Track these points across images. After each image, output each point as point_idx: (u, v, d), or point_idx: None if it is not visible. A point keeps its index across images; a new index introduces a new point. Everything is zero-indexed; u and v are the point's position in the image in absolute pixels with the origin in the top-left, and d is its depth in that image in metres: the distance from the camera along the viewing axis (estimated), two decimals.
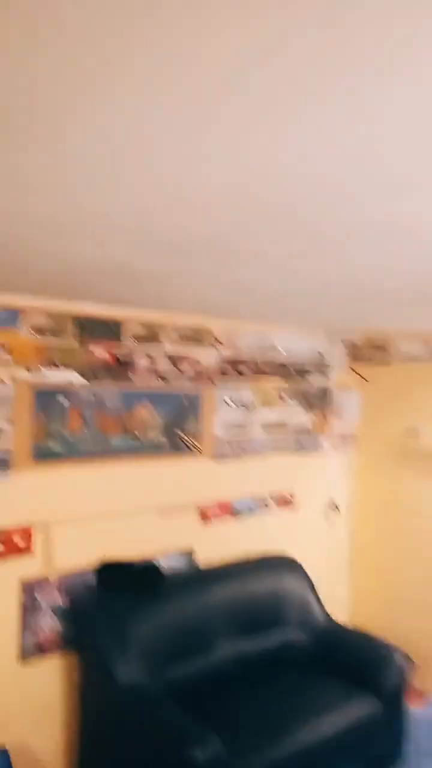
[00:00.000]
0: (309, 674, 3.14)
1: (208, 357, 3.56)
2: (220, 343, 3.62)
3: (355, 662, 3.14)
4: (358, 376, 4.30)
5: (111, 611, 2.92)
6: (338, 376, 4.27)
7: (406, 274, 2.16)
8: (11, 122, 0.98)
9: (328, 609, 3.62)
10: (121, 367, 3.20)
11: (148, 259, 2.02)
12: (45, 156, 1.12)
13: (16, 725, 2.82)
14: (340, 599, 4.33)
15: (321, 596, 3.64)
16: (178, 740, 2.37)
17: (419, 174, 1.18)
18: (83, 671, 2.89)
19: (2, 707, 2.80)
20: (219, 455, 3.62)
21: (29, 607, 2.88)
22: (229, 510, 3.68)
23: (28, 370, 2.89)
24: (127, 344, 3.22)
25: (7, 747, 2.70)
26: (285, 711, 2.81)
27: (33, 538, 2.89)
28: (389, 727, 3.04)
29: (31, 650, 2.89)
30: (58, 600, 2.96)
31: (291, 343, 3.99)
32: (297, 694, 2.95)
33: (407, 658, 3.12)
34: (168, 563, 3.35)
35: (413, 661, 3.13)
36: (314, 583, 3.63)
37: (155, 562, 3.20)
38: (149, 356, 3.30)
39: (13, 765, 2.67)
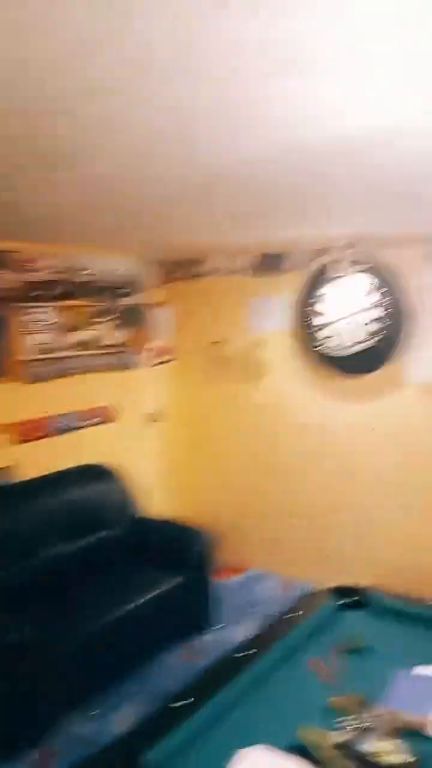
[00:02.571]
0: (124, 565, 3.53)
1: (13, 280, 3.59)
2: (27, 266, 3.66)
3: (164, 546, 3.58)
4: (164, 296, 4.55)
5: None
6: (151, 294, 4.48)
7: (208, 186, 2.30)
8: None
9: (152, 508, 3.99)
10: None
11: None
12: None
13: None
14: (163, 497, 4.72)
15: (140, 497, 3.99)
16: None
17: None
18: None
19: None
20: (32, 377, 3.74)
21: None
22: (48, 429, 3.86)
23: None
24: None
25: None
26: (99, 596, 3.17)
27: None
28: (194, 599, 3.52)
29: None
30: None
31: (102, 264, 4.11)
32: (111, 582, 3.33)
33: (213, 536, 3.59)
34: None
35: (218, 539, 3.59)
36: (131, 485, 3.96)
37: None
38: None
39: None
